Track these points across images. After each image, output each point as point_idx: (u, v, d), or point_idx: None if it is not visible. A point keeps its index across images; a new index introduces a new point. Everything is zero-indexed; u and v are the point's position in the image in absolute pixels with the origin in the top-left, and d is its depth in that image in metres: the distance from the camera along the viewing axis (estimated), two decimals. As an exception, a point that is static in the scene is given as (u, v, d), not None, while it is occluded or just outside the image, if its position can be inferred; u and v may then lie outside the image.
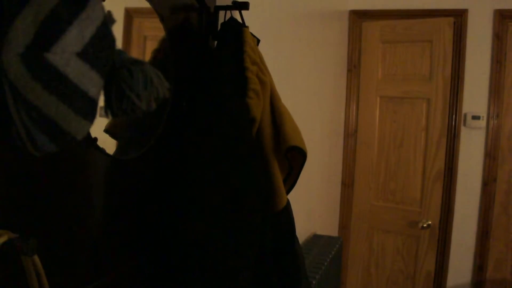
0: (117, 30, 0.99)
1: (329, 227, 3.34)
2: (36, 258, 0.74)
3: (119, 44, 1.00)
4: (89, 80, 0.61)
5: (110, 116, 0.72)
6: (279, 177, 1.29)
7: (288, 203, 1.36)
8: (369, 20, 3.51)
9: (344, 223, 3.61)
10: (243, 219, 1.15)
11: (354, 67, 3.53)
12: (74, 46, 0.59)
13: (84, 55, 0.60)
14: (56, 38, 0.58)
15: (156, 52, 1.15)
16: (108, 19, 0.65)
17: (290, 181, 1.38)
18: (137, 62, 0.72)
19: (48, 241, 0.83)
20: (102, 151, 0.94)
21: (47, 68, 0.58)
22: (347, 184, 3.59)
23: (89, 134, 0.87)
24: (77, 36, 0.59)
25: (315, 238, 2.75)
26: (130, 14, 1.03)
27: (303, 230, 2.65)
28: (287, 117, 1.31)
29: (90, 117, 0.63)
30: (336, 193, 3.53)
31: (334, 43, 3.17)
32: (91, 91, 0.62)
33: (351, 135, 3.57)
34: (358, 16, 3.52)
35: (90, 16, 0.61)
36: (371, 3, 3.49)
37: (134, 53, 1.07)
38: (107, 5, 0.94)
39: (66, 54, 0.58)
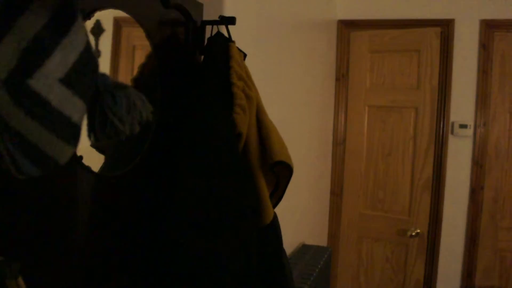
0: (106, 40, 1.00)
1: (318, 237, 3.35)
2: (20, 280, 0.73)
3: (107, 54, 1.00)
4: (72, 106, 0.61)
5: (93, 140, 0.72)
6: (265, 191, 1.29)
7: (275, 217, 1.36)
8: (357, 30, 3.53)
9: (333, 232, 3.62)
10: (230, 235, 1.16)
11: (342, 76, 3.55)
12: (57, 72, 0.59)
13: (67, 81, 0.60)
14: (39, 65, 0.58)
15: (143, 67, 1.15)
16: (91, 46, 0.65)
17: (277, 195, 1.38)
18: (120, 86, 0.72)
19: (34, 262, 0.83)
20: (87, 169, 0.94)
21: (30, 94, 0.58)
22: (336, 193, 3.60)
23: (74, 152, 0.87)
24: (60, 62, 0.59)
25: (304, 248, 2.76)
26: (119, 24, 1.04)
27: (291, 240, 2.66)
28: (273, 132, 1.32)
29: (73, 142, 0.63)
30: (325, 202, 3.54)
31: (322, 53, 3.19)
32: (74, 117, 0.62)
33: (339, 144, 3.59)
34: (347, 26, 3.54)
35: (73, 42, 0.61)
36: (359, 13, 3.52)
37: (123, 63, 1.07)
38: (97, 15, 0.95)
39: (49, 80, 0.58)
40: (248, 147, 1.28)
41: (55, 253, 0.88)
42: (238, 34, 1.56)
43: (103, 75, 0.72)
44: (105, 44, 1.00)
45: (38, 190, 0.82)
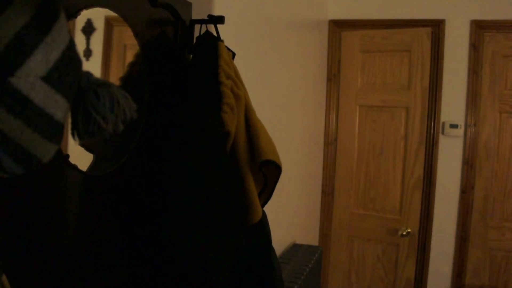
0: (97, 38, 1.00)
1: (309, 236, 3.35)
2: (4, 278, 0.73)
3: (99, 53, 1.00)
4: (55, 104, 0.61)
5: (77, 138, 0.72)
6: (254, 191, 1.29)
7: (263, 216, 1.37)
8: (349, 30, 3.54)
9: (325, 232, 3.62)
10: (218, 234, 1.16)
11: (333, 76, 3.56)
12: (39, 70, 0.59)
13: (49, 79, 0.60)
14: (21, 63, 0.58)
15: (132, 66, 1.15)
16: (74, 44, 0.65)
17: (266, 194, 1.38)
18: (104, 84, 0.72)
19: (18, 261, 0.82)
20: (74, 167, 0.94)
21: (12, 92, 0.57)
22: (327, 192, 3.61)
23: (60, 151, 0.87)
24: (42, 60, 0.59)
25: (295, 248, 2.76)
26: (110, 23, 1.04)
27: (283, 239, 2.66)
28: (261, 131, 1.32)
29: (56, 140, 0.63)
30: (316, 201, 3.54)
31: (313, 53, 3.19)
32: (57, 115, 0.62)
33: (331, 144, 3.59)
34: (338, 26, 3.55)
35: (56, 40, 0.61)
36: (351, 13, 3.53)
37: (114, 62, 1.07)
38: (88, 14, 0.95)
39: (30, 79, 0.58)
40: (237, 146, 1.28)
41: (41, 252, 0.88)
42: (228, 33, 1.56)
43: (87, 72, 0.71)
44: (96, 43, 0.99)
45: (23, 189, 0.81)
